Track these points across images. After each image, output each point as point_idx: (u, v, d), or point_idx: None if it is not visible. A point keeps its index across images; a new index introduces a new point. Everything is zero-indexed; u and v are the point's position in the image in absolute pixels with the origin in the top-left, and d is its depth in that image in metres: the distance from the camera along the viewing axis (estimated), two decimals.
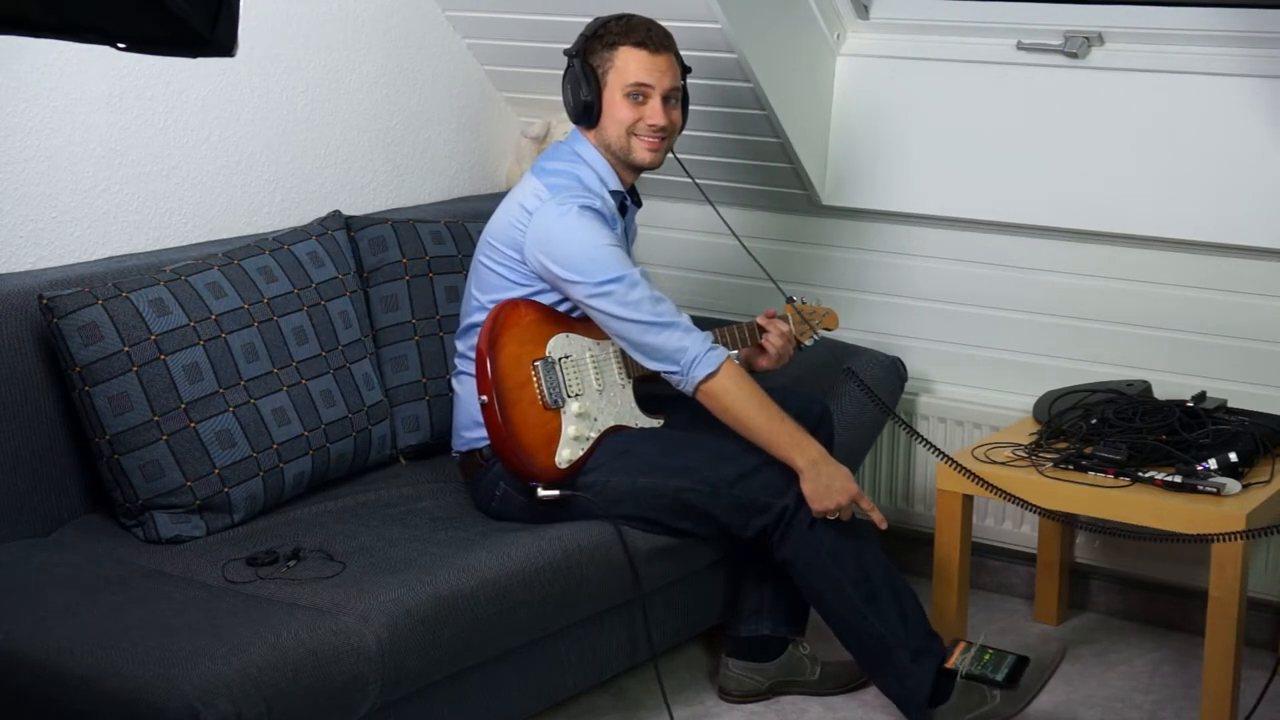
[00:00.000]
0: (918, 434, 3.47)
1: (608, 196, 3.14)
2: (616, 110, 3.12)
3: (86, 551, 2.86)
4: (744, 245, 3.42)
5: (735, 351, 3.32)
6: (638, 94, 3.11)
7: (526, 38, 3.85)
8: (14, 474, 2.90)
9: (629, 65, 3.11)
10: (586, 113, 3.14)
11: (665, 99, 3.13)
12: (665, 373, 3.05)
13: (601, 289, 3.02)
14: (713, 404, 3.03)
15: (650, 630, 3.09)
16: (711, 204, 3.38)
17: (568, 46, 3.17)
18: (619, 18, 3.15)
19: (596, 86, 3.12)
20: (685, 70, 3.20)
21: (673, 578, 3.19)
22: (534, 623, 2.89)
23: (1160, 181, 3.43)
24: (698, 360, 3.00)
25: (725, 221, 3.41)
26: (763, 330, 3.29)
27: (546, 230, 3.06)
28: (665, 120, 3.13)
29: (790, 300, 3.38)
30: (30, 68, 3.09)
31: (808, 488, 3.01)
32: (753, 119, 3.67)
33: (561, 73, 3.16)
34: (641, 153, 3.14)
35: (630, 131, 3.12)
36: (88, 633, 2.48)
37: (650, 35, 3.12)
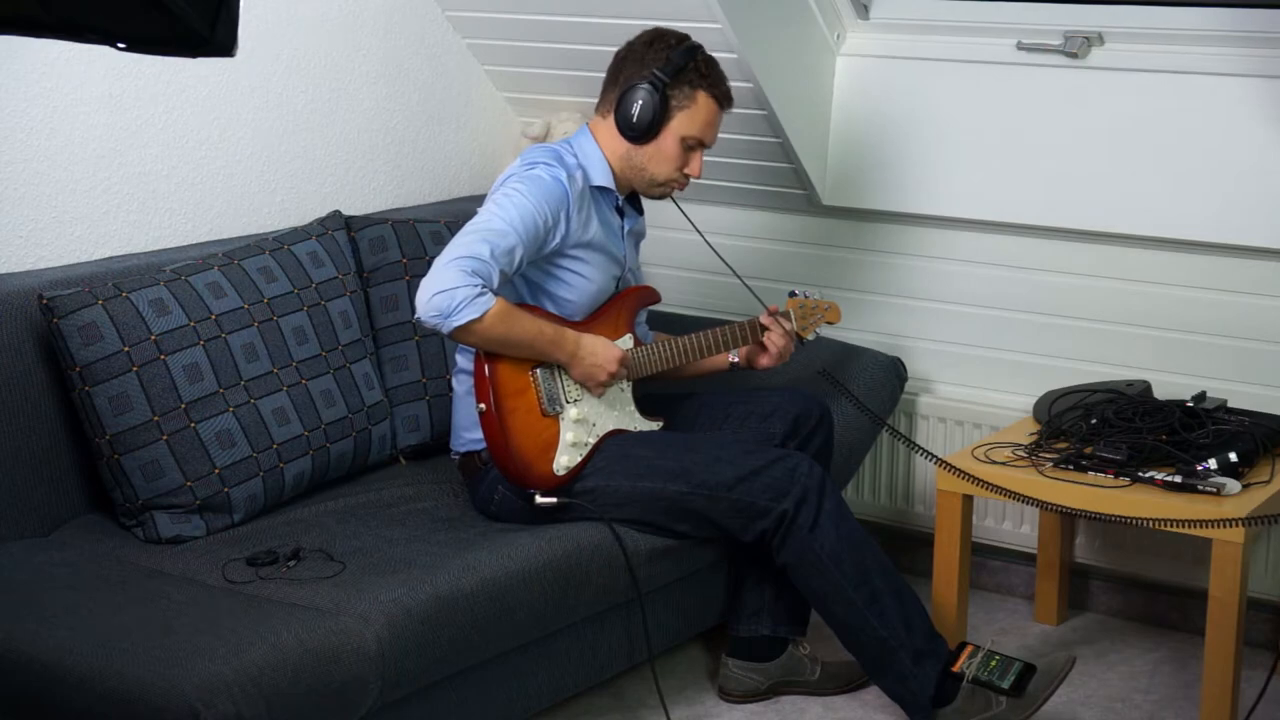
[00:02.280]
0: (915, 444, 3.42)
1: (578, 176, 3.11)
2: (668, 149, 3.13)
3: (86, 551, 2.86)
4: (708, 242, 3.37)
5: (734, 354, 3.33)
6: (695, 145, 3.14)
7: (526, 38, 3.85)
8: (14, 474, 2.90)
9: (702, 116, 3.13)
10: (641, 135, 3.13)
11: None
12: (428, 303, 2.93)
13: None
14: (472, 341, 2.99)
15: (649, 633, 3.09)
16: (681, 210, 3.36)
17: (659, 69, 3.10)
18: (704, 55, 3.15)
19: (663, 117, 3.12)
20: None
21: (673, 578, 3.19)
22: (534, 623, 2.89)
23: (1160, 181, 3.43)
24: (466, 303, 2.90)
25: (688, 217, 3.34)
26: (764, 328, 3.28)
27: (497, 180, 3.10)
28: (700, 172, 3.18)
29: (792, 294, 3.38)
30: (30, 68, 3.09)
31: (577, 374, 3.08)
32: (753, 119, 3.67)
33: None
34: (665, 193, 3.20)
35: (670, 178, 3.16)
36: (88, 633, 2.48)
37: (729, 91, 3.17)
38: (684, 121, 3.12)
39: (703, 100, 3.13)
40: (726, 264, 3.38)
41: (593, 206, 3.15)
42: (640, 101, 3.11)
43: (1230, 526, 2.94)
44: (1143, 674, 3.40)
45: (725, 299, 3.94)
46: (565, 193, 3.06)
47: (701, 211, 3.49)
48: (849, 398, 3.44)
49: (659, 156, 3.14)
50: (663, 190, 3.20)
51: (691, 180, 3.22)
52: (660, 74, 3.10)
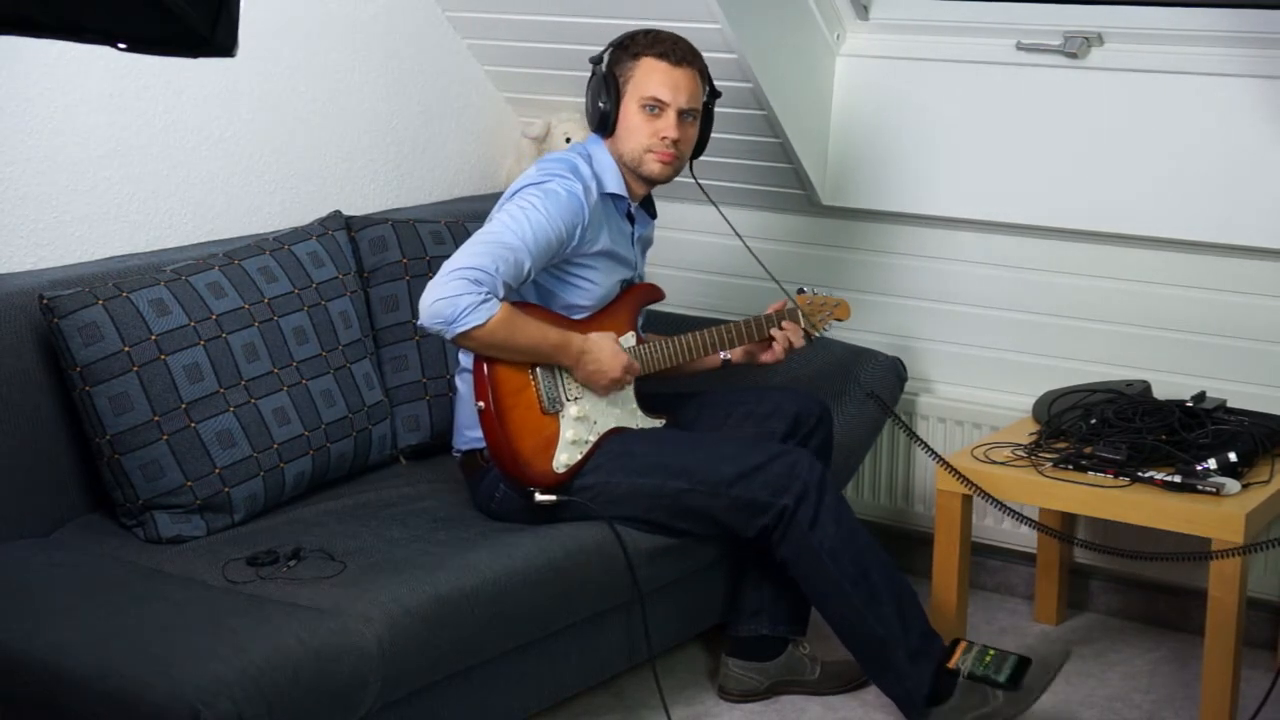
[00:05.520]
0: (943, 459, 3.30)
1: (593, 187, 3.12)
2: (632, 120, 3.12)
3: (86, 551, 2.86)
4: (748, 247, 3.41)
5: (726, 352, 3.33)
6: (654, 106, 3.12)
7: (526, 38, 3.85)
8: (14, 474, 2.90)
9: (649, 77, 3.11)
10: (604, 122, 3.14)
11: (681, 114, 3.13)
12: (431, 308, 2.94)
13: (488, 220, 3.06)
14: (475, 347, 3.00)
15: (649, 633, 3.09)
16: (715, 205, 3.38)
17: (593, 54, 3.17)
18: (647, 31, 3.15)
19: (616, 96, 3.12)
20: (714, 94, 3.21)
21: (673, 578, 3.19)
22: (534, 623, 2.89)
23: (1160, 181, 3.43)
24: (469, 310, 2.92)
25: (730, 223, 3.40)
26: (769, 324, 3.29)
27: (512, 186, 3.10)
28: (679, 133, 3.13)
29: (801, 290, 3.38)
30: (30, 68, 3.09)
31: (581, 378, 3.08)
32: (753, 119, 3.67)
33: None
34: (652, 164, 3.14)
35: (646, 147, 3.13)
36: (88, 633, 2.48)
37: (674, 48, 3.13)
38: (634, 89, 3.12)
39: (645, 63, 3.12)
40: (763, 266, 3.38)
41: (605, 216, 3.16)
42: (591, 93, 3.15)
43: (1230, 557, 2.95)
44: (1143, 674, 3.40)
45: (727, 299, 3.94)
46: (581, 206, 3.07)
47: (702, 211, 3.50)
48: (887, 411, 3.41)
49: (627, 133, 3.14)
50: (652, 166, 3.15)
51: (694, 162, 3.22)
52: (601, 63, 3.15)
